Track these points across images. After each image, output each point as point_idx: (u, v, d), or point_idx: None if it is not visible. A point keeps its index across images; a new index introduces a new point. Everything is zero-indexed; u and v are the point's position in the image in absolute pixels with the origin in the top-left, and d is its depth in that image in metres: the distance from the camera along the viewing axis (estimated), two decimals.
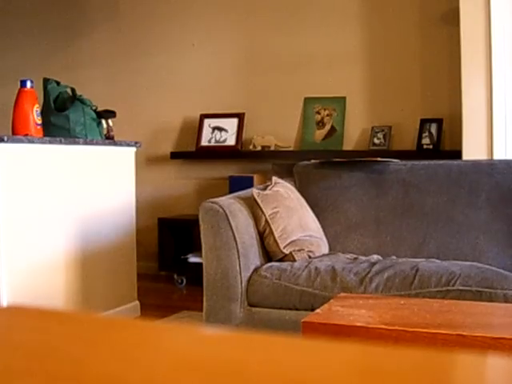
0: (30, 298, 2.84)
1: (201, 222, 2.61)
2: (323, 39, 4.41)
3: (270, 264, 2.64)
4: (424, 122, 4.11)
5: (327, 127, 4.41)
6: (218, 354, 0.52)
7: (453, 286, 2.34)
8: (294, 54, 4.48)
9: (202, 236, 2.61)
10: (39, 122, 3.04)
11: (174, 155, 4.74)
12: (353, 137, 4.37)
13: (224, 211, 2.58)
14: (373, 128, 4.26)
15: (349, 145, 4.36)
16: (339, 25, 4.38)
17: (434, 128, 4.08)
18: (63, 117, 3.32)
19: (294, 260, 2.66)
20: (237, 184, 4.10)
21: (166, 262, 4.54)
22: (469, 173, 2.95)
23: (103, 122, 3.58)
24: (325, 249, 2.90)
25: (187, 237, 4.53)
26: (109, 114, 3.65)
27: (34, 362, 0.50)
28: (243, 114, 4.57)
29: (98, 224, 3.29)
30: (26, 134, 2.94)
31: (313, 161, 3.27)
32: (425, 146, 4.08)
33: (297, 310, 2.47)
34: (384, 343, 0.48)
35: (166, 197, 4.86)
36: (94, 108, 3.50)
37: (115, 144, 3.50)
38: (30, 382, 0.45)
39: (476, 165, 3.00)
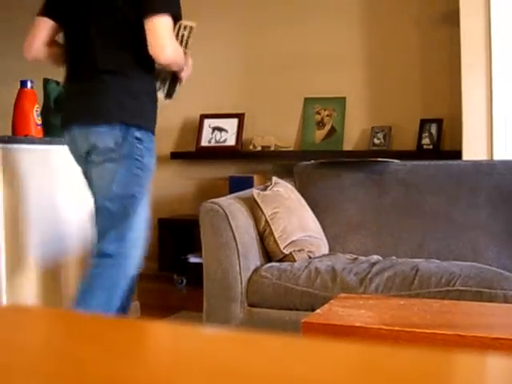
0: (30, 298, 2.84)
1: (201, 223, 2.61)
2: (323, 39, 4.41)
3: (270, 264, 2.64)
4: (424, 123, 4.11)
5: (327, 127, 4.41)
6: (218, 353, 0.52)
7: (453, 286, 2.34)
8: (294, 53, 4.48)
9: (201, 236, 2.61)
10: (39, 122, 3.04)
11: (174, 155, 4.73)
12: (353, 137, 4.36)
13: (224, 211, 2.58)
14: (373, 128, 4.25)
15: (349, 145, 4.35)
16: (339, 25, 4.38)
17: (434, 128, 4.08)
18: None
19: (294, 260, 2.66)
20: (237, 184, 4.10)
21: (166, 262, 4.54)
22: (469, 173, 2.95)
23: None
24: (325, 249, 2.90)
25: (187, 237, 4.53)
26: None
27: (34, 361, 0.50)
28: (243, 114, 4.57)
29: None
30: (26, 134, 2.94)
31: (313, 161, 3.27)
32: (425, 147, 4.07)
33: (297, 310, 2.47)
34: (384, 343, 0.48)
35: (166, 197, 4.85)
36: None
37: None
38: (30, 382, 0.45)
39: (476, 165, 3.00)
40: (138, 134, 2.32)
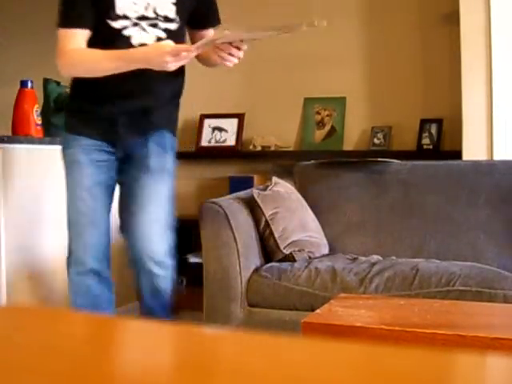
0: (30, 298, 2.84)
1: (201, 223, 2.61)
2: (323, 39, 4.40)
3: (270, 264, 2.64)
4: (424, 123, 4.11)
5: (327, 127, 4.40)
6: (218, 353, 0.52)
7: (453, 286, 2.34)
8: (294, 53, 4.48)
9: (201, 236, 2.61)
10: (39, 122, 3.04)
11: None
12: (353, 137, 4.36)
13: (224, 211, 2.58)
14: (373, 128, 4.25)
15: (349, 145, 4.35)
16: (339, 25, 4.38)
17: (434, 128, 4.08)
18: (63, 117, 3.32)
19: (294, 260, 2.66)
20: (237, 184, 4.09)
21: None
22: (469, 173, 2.95)
23: None
24: (325, 249, 2.90)
25: (187, 237, 4.53)
26: None
27: (35, 361, 0.50)
28: (243, 114, 4.57)
29: None
30: (26, 134, 2.94)
31: (313, 161, 3.27)
32: (425, 147, 4.07)
33: (297, 310, 2.47)
34: (384, 343, 0.48)
35: None
36: None
37: None
38: (30, 382, 0.45)
39: (476, 165, 3.00)
40: None
